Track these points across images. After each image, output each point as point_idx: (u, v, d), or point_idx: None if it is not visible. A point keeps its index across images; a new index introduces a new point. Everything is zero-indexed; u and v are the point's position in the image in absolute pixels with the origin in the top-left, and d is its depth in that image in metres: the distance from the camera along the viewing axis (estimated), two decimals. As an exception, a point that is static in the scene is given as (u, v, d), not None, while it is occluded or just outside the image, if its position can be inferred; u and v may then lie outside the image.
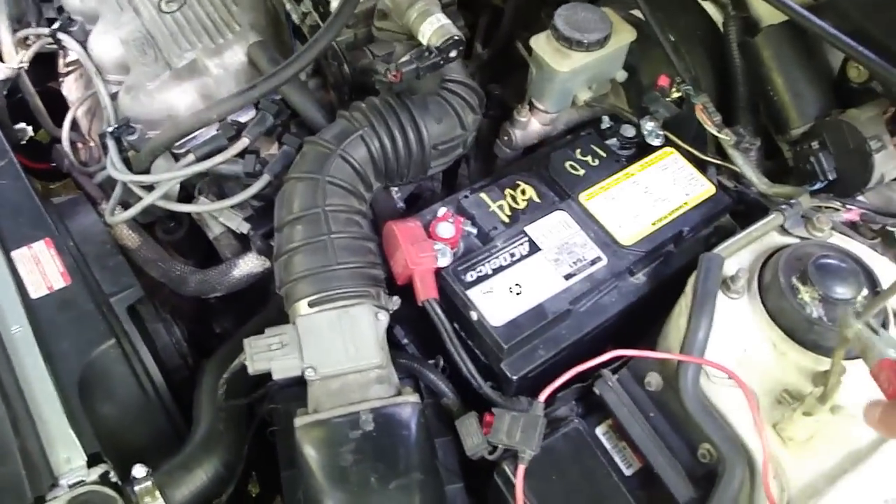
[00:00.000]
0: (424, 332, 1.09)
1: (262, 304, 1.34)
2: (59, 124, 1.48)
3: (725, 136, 1.17)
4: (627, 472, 0.98)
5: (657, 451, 0.97)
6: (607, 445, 1.00)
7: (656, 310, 1.08)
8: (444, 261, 1.04)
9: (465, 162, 1.39)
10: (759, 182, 1.19)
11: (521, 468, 0.91)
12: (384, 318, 1.00)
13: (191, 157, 1.15)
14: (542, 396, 0.94)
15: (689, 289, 1.02)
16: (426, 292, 1.01)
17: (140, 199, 1.19)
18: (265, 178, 1.13)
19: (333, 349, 0.97)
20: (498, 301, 1.02)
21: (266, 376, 1.06)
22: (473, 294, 1.02)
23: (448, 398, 1.04)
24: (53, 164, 1.58)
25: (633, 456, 0.99)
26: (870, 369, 0.76)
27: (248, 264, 1.23)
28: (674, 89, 1.20)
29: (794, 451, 0.93)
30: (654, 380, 1.00)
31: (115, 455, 1.00)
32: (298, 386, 1.04)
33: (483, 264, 1.05)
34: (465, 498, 1.00)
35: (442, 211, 1.08)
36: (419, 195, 1.35)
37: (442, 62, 1.11)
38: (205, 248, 1.38)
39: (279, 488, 1.34)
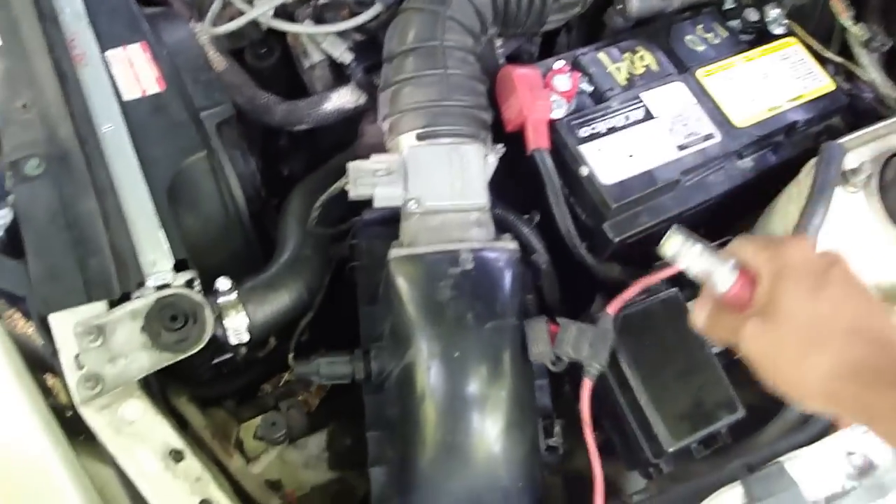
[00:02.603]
0: (504, 191, 1.07)
1: (336, 150, 1.31)
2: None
3: (858, 31, 1.12)
4: (714, 351, 0.97)
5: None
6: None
7: (756, 197, 1.06)
8: (559, 112, 1.01)
9: (566, 30, 1.33)
10: (883, 84, 1.15)
11: (588, 383, 0.87)
12: (493, 160, 0.98)
13: (300, -25, 1.10)
14: (612, 308, 0.90)
15: (802, 176, 1.00)
16: (538, 141, 0.98)
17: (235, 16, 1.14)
18: (377, 8, 1.08)
19: (439, 184, 0.94)
20: (609, 160, 0.99)
21: (348, 214, 1.06)
22: (586, 149, 0.99)
23: (539, 255, 1.02)
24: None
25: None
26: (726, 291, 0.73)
27: (342, 98, 1.20)
28: (808, -23, 1.15)
29: None
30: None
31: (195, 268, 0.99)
32: (384, 225, 1.02)
33: (597, 122, 1.02)
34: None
35: (559, 63, 1.04)
36: (517, 56, 1.30)
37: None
38: (287, 85, 1.34)
39: (329, 339, 1.35)
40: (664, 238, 0.75)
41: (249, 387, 1.23)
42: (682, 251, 0.74)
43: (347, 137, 1.29)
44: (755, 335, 0.69)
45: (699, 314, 0.77)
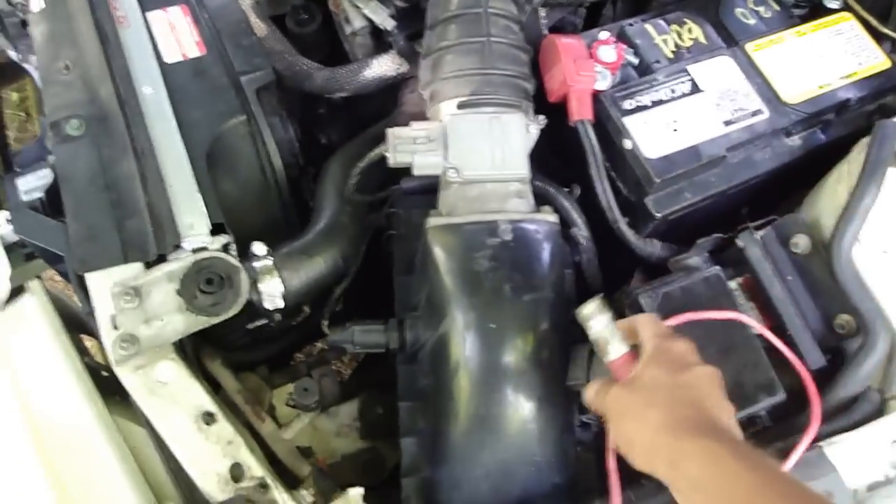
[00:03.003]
0: (543, 159, 1.05)
1: (376, 119, 1.30)
2: None
3: (918, 6, 1.08)
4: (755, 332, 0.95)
5: (794, 313, 0.93)
6: (737, 301, 0.97)
7: (803, 176, 1.03)
8: (604, 84, 0.99)
9: (611, 2, 1.31)
10: (942, 62, 1.10)
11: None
12: (535, 131, 0.96)
13: (344, -60, 1.09)
14: None
15: (853, 155, 0.97)
16: (581, 112, 0.97)
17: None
18: (421, -27, 1.07)
19: (480, 153, 0.93)
20: (654, 134, 0.97)
21: (387, 183, 1.04)
22: (630, 122, 0.97)
23: (578, 228, 1.00)
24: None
25: (761, 316, 0.96)
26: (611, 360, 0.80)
27: (383, 66, 1.18)
28: (866, -51, 1.11)
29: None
30: (802, 241, 0.95)
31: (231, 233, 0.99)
32: (423, 195, 1.01)
33: (642, 95, 1.00)
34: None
35: (605, 35, 1.02)
36: (561, 28, 1.28)
37: None
38: (327, 52, 1.33)
39: (363, 308, 1.35)
40: (585, 302, 0.81)
41: (283, 354, 1.23)
42: (595, 315, 0.80)
43: (387, 106, 1.27)
44: (614, 396, 0.78)
45: (590, 389, 0.82)
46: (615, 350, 0.80)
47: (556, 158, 1.09)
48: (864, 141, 0.96)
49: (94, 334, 0.92)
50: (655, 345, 0.78)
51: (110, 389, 0.92)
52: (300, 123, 1.33)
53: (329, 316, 1.06)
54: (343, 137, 1.33)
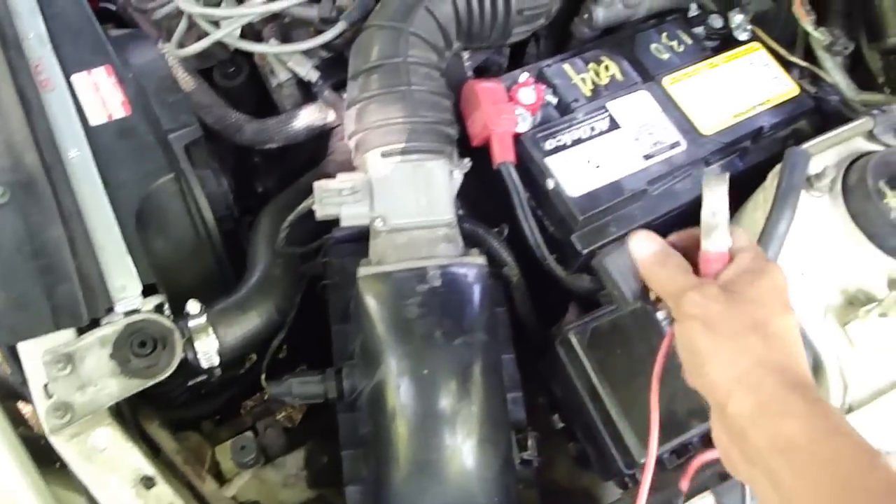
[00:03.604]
0: (477, 203, 1.07)
1: (308, 169, 1.31)
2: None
3: (820, 36, 1.13)
4: (684, 359, 0.97)
5: (720, 340, 0.96)
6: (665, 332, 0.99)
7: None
8: (524, 126, 1.01)
9: (534, 41, 1.34)
10: (846, 87, 1.15)
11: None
12: (458, 176, 0.98)
13: (266, -5, 1.10)
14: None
15: (768, 182, 1.00)
16: (503, 155, 0.99)
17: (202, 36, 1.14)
18: (341, 25, 1.08)
19: (405, 201, 0.94)
20: (575, 172, 0.99)
21: (320, 231, 1.05)
22: (551, 162, 0.99)
23: (509, 268, 1.02)
24: (102, 4, 1.53)
25: (692, 344, 0.98)
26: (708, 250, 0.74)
27: (310, 116, 1.20)
28: (770, -18, 1.15)
29: (859, 353, 0.92)
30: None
31: (164, 292, 0.99)
32: (355, 242, 1.02)
33: (562, 134, 1.02)
34: (516, 368, 0.99)
35: (524, 76, 1.05)
36: (486, 69, 1.30)
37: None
38: (257, 103, 1.34)
39: (306, 356, 1.35)
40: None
41: (231, 403, 1.23)
42: (716, 185, 0.75)
43: (321, 152, 1.29)
44: (712, 297, 0.68)
45: (646, 244, 0.76)
46: (718, 240, 0.73)
47: (488, 198, 1.11)
48: (777, 168, 0.99)
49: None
50: (760, 265, 0.71)
51: (51, 458, 0.91)
52: (235, 173, 1.34)
53: (274, 364, 1.06)
54: (278, 185, 1.34)
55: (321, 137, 1.26)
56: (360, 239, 1.00)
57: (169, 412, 1.10)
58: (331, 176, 0.98)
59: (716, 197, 0.74)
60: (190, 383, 1.07)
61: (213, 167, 1.21)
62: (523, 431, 0.95)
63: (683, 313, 0.70)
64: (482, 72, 1.32)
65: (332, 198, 0.94)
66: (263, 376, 1.02)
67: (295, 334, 1.07)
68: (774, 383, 0.63)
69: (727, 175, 0.77)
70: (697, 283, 0.71)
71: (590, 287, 1.01)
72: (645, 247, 0.78)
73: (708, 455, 0.87)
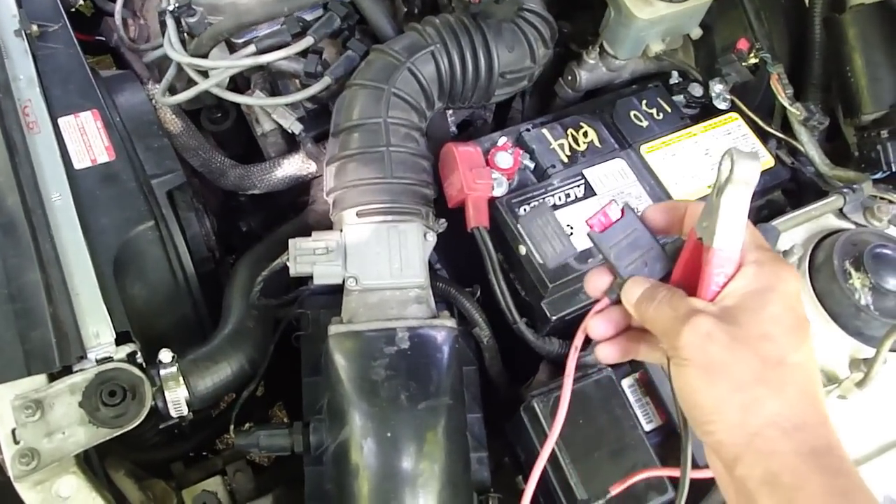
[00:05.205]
0: (457, 259, 1.08)
1: (293, 210, 1.33)
2: (109, -4, 1.44)
3: (796, 111, 1.15)
4: (647, 427, 0.98)
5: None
6: (631, 399, 1.00)
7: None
8: (500, 191, 1.03)
9: (520, 96, 1.36)
10: (821, 162, 1.17)
11: None
12: (432, 238, 0.99)
13: (252, 48, 1.12)
14: None
15: (738, 256, 1.01)
16: (478, 219, 1.00)
17: (189, 84, 1.16)
18: (326, 81, 1.10)
19: (378, 262, 0.96)
20: (548, 239, 1.00)
21: (296, 281, 1.07)
22: (524, 228, 1.01)
23: (480, 328, 1.04)
24: (98, 38, 1.55)
25: (656, 412, 0.99)
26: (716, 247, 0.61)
27: (293, 166, 1.22)
28: (751, 55, 1.17)
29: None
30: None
31: (140, 338, 1.00)
32: (330, 294, 1.03)
33: (537, 200, 1.04)
34: (483, 428, 1.00)
35: (502, 140, 1.06)
36: (470, 122, 1.32)
37: (524, -11, 1.08)
38: (244, 145, 1.36)
39: (283, 394, 1.36)
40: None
41: (204, 443, 1.24)
42: (746, 168, 0.62)
43: (304, 195, 1.31)
44: (705, 341, 0.57)
45: (635, 288, 0.66)
46: (731, 237, 0.59)
47: (464, 256, 1.12)
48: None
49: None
50: (767, 279, 0.59)
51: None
52: (219, 212, 1.36)
53: (252, 403, 1.07)
54: (263, 226, 1.36)
55: (304, 184, 1.28)
56: (336, 291, 1.01)
57: (140, 454, 1.11)
58: (310, 227, 1.00)
59: (743, 178, 0.59)
60: (162, 426, 1.08)
61: (196, 208, 1.22)
62: (487, 492, 0.96)
63: (679, 357, 0.60)
64: (467, 125, 1.34)
65: (307, 256, 0.95)
66: (231, 427, 1.03)
67: (272, 372, 1.08)
68: (789, 450, 0.54)
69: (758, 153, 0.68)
70: (692, 314, 0.59)
71: (559, 351, 1.03)
72: (634, 291, 0.68)
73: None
